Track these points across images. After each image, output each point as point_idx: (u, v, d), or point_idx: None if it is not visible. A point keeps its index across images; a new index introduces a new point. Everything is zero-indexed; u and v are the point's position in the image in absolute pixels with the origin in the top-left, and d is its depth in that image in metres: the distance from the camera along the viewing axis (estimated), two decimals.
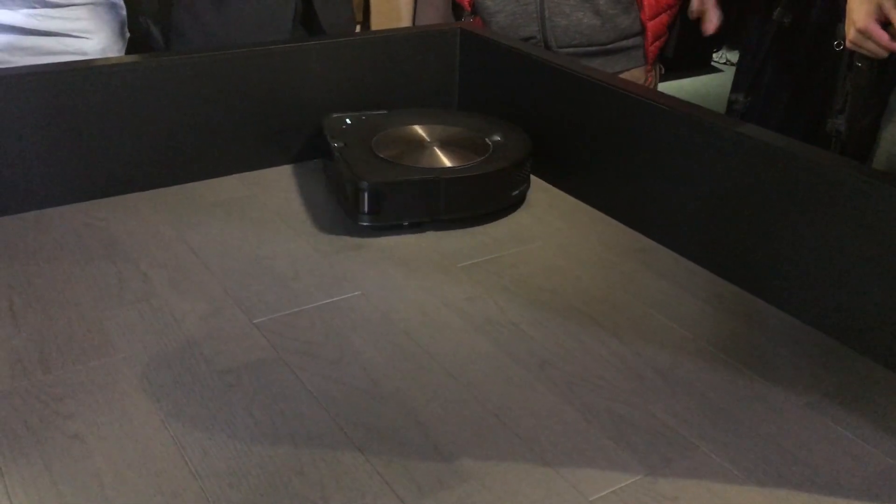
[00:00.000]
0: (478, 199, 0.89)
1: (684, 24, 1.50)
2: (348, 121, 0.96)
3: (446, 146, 0.93)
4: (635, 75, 1.38)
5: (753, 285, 0.77)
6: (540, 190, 0.98)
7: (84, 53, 1.03)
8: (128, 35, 1.12)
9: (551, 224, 0.90)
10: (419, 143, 0.93)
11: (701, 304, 0.76)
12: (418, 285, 0.78)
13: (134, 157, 0.92)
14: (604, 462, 0.57)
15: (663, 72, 1.48)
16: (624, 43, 1.36)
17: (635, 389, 0.64)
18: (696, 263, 0.82)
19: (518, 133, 0.97)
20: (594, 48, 1.34)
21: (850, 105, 1.20)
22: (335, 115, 0.97)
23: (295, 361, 0.66)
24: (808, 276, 0.73)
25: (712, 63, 3.65)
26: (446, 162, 0.90)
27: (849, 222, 0.69)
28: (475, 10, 1.40)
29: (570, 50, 1.33)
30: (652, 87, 1.42)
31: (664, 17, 1.37)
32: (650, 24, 1.36)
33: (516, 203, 0.93)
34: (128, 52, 1.19)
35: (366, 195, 0.84)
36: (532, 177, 1.01)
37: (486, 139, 0.94)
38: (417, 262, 0.82)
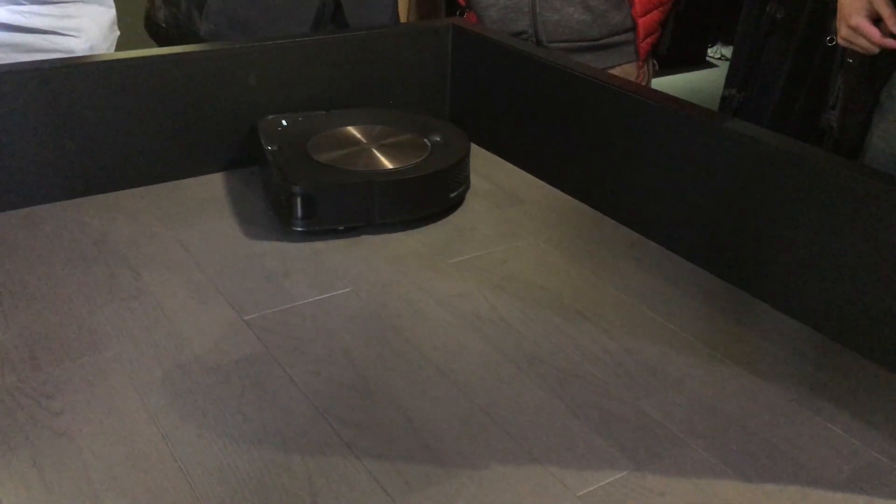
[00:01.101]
0: (413, 203, 0.87)
1: (678, 20, 1.51)
2: (284, 122, 0.94)
3: (384, 148, 0.91)
4: (627, 71, 1.38)
5: (744, 281, 0.78)
6: (531, 186, 0.98)
7: (71, 51, 1.03)
8: (117, 33, 1.12)
9: (542, 220, 0.90)
10: (356, 146, 0.92)
11: (691, 300, 0.76)
12: (409, 282, 0.78)
13: (125, 154, 0.92)
14: (592, 457, 0.57)
15: (657, 68, 1.48)
16: (615, 38, 1.36)
17: (624, 385, 0.65)
18: (686, 259, 0.82)
19: (457, 133, 0.95)
20: (584, 43, 1.34)
21: (841, 101, 1.20)
22: (271, 117, 0.95)
23: (285, 358, 0.67)
24: (798, 273, 0.73)
25: (707, 58, 3.65)
26: (384, 164, 0.88)
27: (839, 219, 0.69)
28: (469, 5, 1.40)
29: (561, 45, 1.33)
30: (645, 83, 1.42)
31: (656, 14, 1.37)
32: (641, 21, 1.36)
33: (454, 206, 0.92)
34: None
35: (298, 200, 0.82)
36: (523, 172, 1.01)
37: (426, 140, 0.93)
38: (408, 259, 0.82)
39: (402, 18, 1.83)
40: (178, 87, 0.93)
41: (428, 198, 0.89)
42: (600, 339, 0.70)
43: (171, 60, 0.92)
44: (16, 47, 1.00)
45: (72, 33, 1.03)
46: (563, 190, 0.96)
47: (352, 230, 0.85)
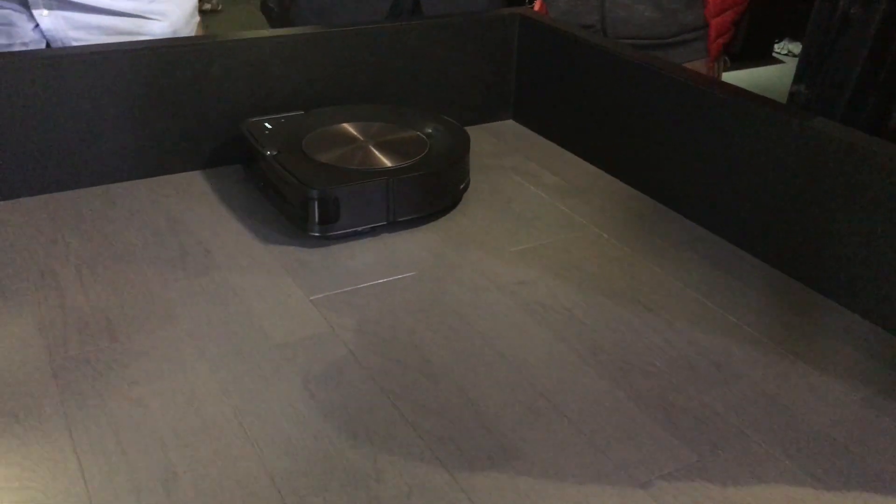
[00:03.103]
0: (432, 197, 0.86)
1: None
2: (268, 125, 0.91)
3: (383, 145, 0.89)
4: (696, 68, 1.36)
5: (811, 278, 0.77)
6: (595, 177, 0.98)
7: (154, 35, 1.06)
8: (197, 19, 1.15)
9: (606, 211, 0.90)
10: (354, 144, 0.89)
11: (756, 295, 0.75)
12: (472, 268, 0.79)
13: (198, 136, 0.95)
14: (654, 447, 0.57)
15: (728, 65, 1.45)
16: (684, 37, 1.34)
17: (687, 377, 0.65)
18: (752, 255, 0.81)
19: (449, 123, 0.93)
20: (653, 41, 1.32)
21: None
22: (253, 120, 0.92)
23: (350, 338, 0.68)
24: (868, 271, 0.72)
25: (774, 54, 3.58)
26: (389, 162, 0.85)
27: None
28: None
29: (629, 42, 1.32)
30: None
31: (730, 15, 1.34)
32: (714, 21, 1.33)
33: (460, 198, 0.90)
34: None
35: (316, 204, 0.79)
36: (587, 163, 1.01)
37: (420, 133, 0.91)
38: (471, 246, 0.83)
39: None
40: (253, 69, 0.95)
41: (443, 191, 0.87)
42: (663, 331, 0.70)
43: (246, 44, 0.94)
44: (103, 30, 1.03)
45: (156, 17, 1.06)
46: (627, 182, 0.96)
47: (371, 232, 0.84)
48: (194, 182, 0.93)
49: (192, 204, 0.88)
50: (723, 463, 0.56)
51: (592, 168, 1.00)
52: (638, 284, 0.77)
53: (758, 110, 0.80)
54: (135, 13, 1.04)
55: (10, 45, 1.01)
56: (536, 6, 1.42)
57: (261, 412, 0.59)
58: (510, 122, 1.14)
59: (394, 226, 0.85)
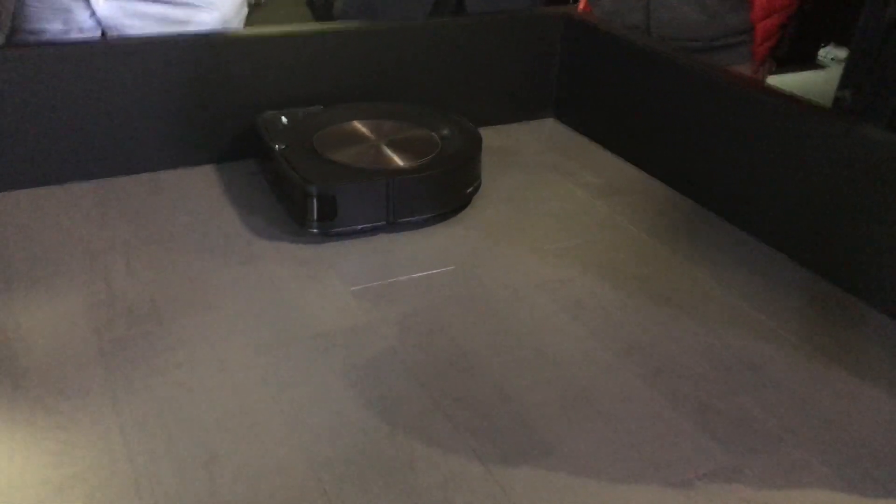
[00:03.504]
0: (433, 200, 0.85)
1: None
2: (284, 119, 0.91)
3: (394, 144, 0.88)
4: (741, 71, 1.34)
5: (853, 285, 0.76)
6: (635, 178, 0.98)
7: (205, 25, 1.07)
8: (246, 10, 1.16)
9: (645, 212, 0.90)
10: (365, 142, 0.89)
11: (796, 300, 0.75)
12: (510, 265, 0.79)
13: (244, 127, 0.96)
14: (688, 448, 0.58)
15: (774, 69, 1.43)
16: (729, 40, 1.32)
17: (723, 380, 0.64)
18: (793, 260, 0.81)
19: (465, 126, 0.92)
20: (697, 43, 1.31)
21: None
22: (269, 113, 0.92)
23: (389, 330, 0.69)
24: None
25: (818, 59, 3.53)
26: (397, 161, 0.85)
27: None
28: None
29: (673, 44, 1.31)
30: None
31: (777, 18, 1.32)
32: (760, 25, 1.31)
33: (468, 201, 0.89)
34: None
35: (315, 201, 0.79)
36: (627, 164, 1.01)
37: (434, 134, 0.90)
38: (509, 243, 0.83)
39: None
40: (294, 64, 0.96)
41: (446, 195, 0.86)
42: (699, 333, 0.70)
43: (294, 36, 0.96)
44: (156, 18, 1.04)
45: (207, 7, 1.07)
46: (667, 183, 0.96)
47: (370, 231, 0.83)
48: (240, 172, 0.95)
49: (237, 193, 0.90)
50: (758, 466, 0.56)
51: (633, 169, 1.00)
52: (676, 286, 0.77)
53: (803, 114, 0.79)
54: (186, 3, 1.05)
55: (66, 31, 1.03)
56: (581, 6, 1.42)
57: (300, 399, 0.61)
58: (551, 120, 1.15)
59: (418, 223, 0.85)
